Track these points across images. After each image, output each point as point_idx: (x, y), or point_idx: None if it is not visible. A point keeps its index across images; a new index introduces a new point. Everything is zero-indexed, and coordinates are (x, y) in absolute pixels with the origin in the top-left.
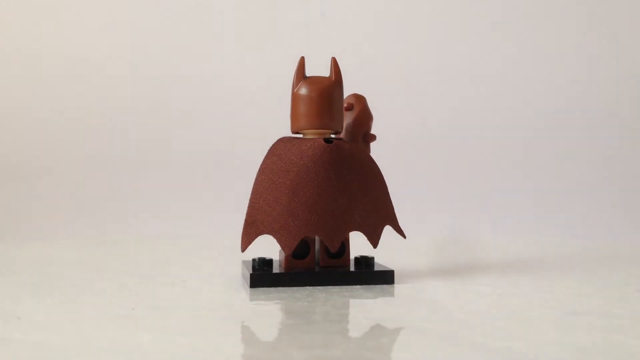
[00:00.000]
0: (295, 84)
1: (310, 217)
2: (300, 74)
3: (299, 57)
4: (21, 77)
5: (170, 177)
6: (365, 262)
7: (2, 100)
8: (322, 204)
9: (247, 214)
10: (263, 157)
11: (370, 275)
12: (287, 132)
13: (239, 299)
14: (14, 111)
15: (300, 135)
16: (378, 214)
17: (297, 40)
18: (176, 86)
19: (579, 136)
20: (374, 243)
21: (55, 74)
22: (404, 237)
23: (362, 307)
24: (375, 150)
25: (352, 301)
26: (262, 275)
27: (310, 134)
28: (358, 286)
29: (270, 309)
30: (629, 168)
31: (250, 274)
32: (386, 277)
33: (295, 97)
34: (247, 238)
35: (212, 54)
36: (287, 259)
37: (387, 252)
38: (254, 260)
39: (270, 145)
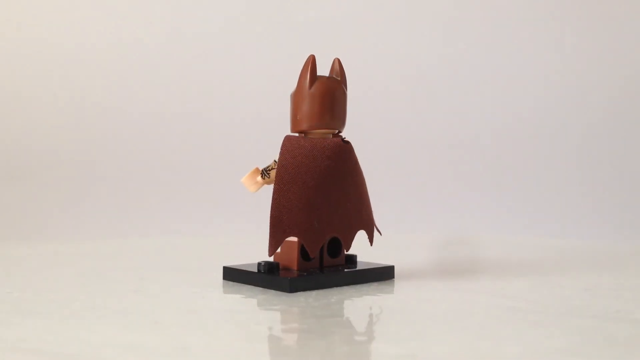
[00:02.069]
0: (309, 83)
1: (332, 218)
2: (314, 72)
3: (309, 56)
4: (22, 76)
5: (169, 177)
6: (350, 260)
7: (2, 99)
8: (341, 205)
9: (272, 215)
10: (257, 156)
11: (385, 271)
12: (284, 131)
13: (247, 302)
14: (14, 110)
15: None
16: (370, 213)
17: (291, 40)
18: (176, 85)
19: (581, 135)
20: (371, 241)
21: (55, 73)
22: (380, 234)
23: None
24: (376, 149)
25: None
26: (301, 279)
27: (318, 134)
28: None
29: (300, 311)
30: (631, 168)
31: (290, 279)
32: (389, 273)
33: (308, 95)
34: (275, 241)
35: (211, 53)
36: (299, 260)
37: (370, 249)
38: (259, 264)
39: (268, 143)
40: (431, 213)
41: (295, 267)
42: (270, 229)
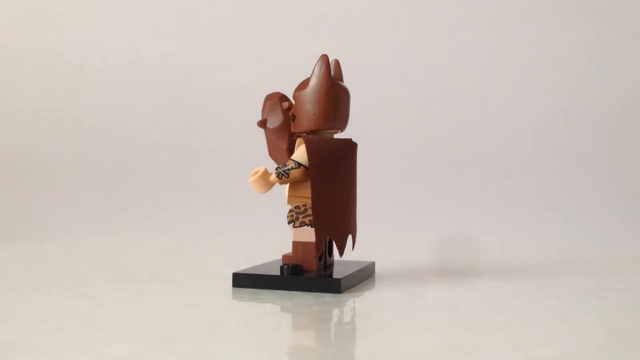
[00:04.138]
0: (330, 83)
1: (351, 218)
2: (330, 72)
3: (323, 55)
4: (23, 76)
5: (172, 177)
6: None
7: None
8: (352, 204)
9: (315, 217)
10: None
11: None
12: None
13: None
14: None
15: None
16: None
17: (290, 40)
18: (177, 85)
19: (580, 136)
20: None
21: (56, 72)
22: None
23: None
24: (374, 150)
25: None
26: (346, 278)
27: (327, 133)
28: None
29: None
30: (632, 169)
31: (340, 279)
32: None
33: (328, 95)
34: (321, 242)
35: (212, 52)
36: (316, 260)
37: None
38: (282, 267)
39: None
40: (428, 213)
41: (314, 268)
42: (316, 231)
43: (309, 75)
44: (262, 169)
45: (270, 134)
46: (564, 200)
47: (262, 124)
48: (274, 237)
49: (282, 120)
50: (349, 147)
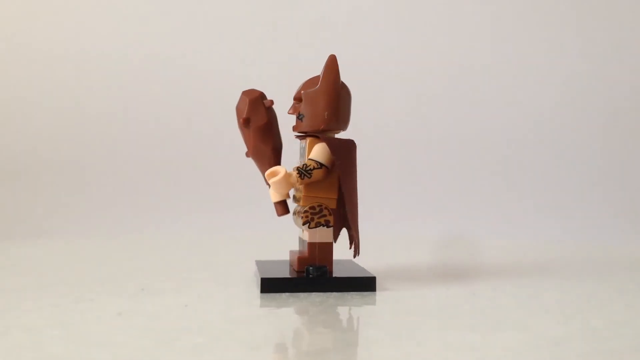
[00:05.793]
0: (340, 84)
1: (357, 217)
2: (339, 73)
3: (331, 56)
4: (23, 76)
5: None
6: None
7: (4, 97)
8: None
9: (351, 217)
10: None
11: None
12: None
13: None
14: (16, 108)
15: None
16: None
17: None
18: (178, 85)
19: (580, 137)
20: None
21: (56, 73)
22: None
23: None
24: (373, 149)
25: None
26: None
27: (331, 134)
28: None
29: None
30: (631, 169)
31: (374, 277)
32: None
33: (340, 96)
34: (358, 244)
35: (213, 52)
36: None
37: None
38: (308, 269)
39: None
40: (427, 214)
41: (331, 268)
42: (351, 232)
43: (312, 75)
44: (282, 170)
45: (253, 133)
46: (564, 201)
47: (245, 122)
48: (256, 237)
49: (266, 119)
50: (355, 147)
